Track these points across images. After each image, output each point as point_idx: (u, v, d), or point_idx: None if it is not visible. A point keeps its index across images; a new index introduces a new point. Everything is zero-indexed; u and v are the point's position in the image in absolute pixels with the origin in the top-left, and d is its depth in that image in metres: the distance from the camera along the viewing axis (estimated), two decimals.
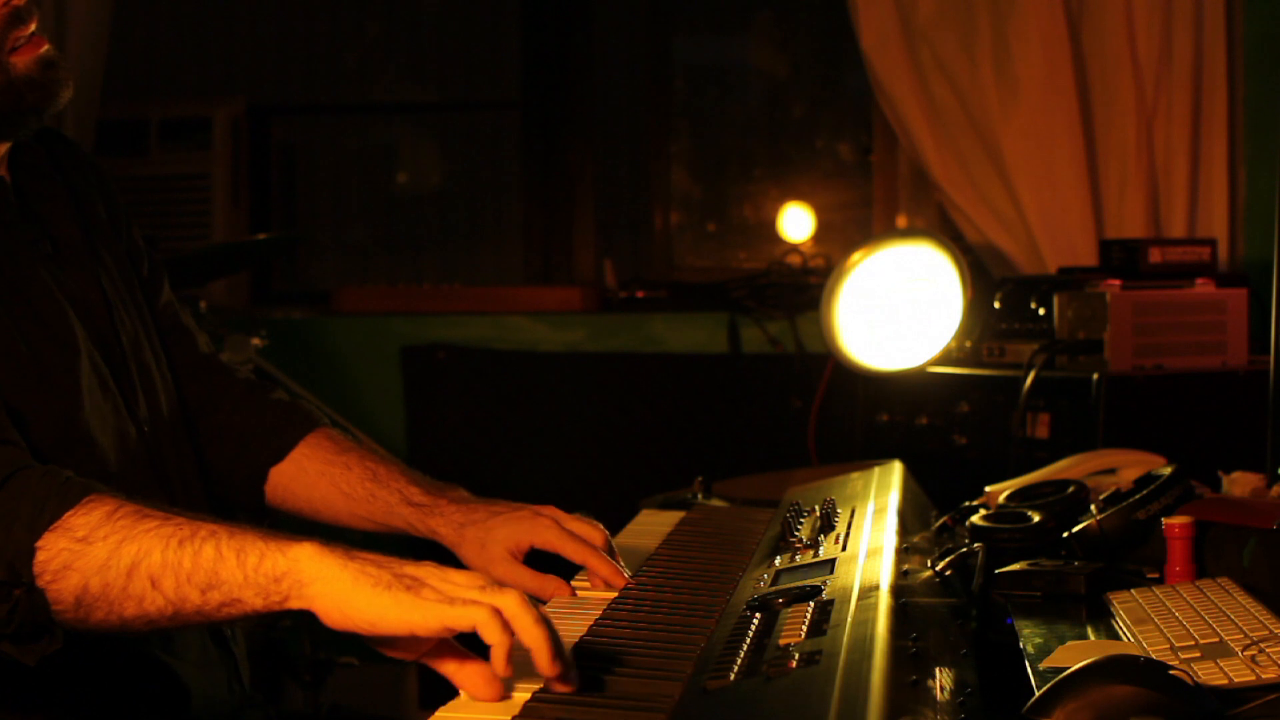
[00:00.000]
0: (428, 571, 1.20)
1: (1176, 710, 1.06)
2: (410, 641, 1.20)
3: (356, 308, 4.07)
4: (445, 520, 1.68)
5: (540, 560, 1.65)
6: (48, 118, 1.59)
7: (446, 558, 1.56)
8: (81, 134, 3.50)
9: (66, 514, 1.25)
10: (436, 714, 1.16)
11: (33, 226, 1.58)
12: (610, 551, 1.62)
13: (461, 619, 1.16)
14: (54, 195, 1.64)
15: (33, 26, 1.52)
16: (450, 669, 1.21)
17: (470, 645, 1.21)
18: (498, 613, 1.16)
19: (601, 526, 1.65)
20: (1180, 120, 3.08)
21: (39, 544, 1.24)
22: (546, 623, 1.17)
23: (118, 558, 1.23)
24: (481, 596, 1.17)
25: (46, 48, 1.53)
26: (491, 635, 1.15)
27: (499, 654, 1.15)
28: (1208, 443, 2.38)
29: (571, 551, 1.60)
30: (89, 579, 1.23)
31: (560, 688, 1.17)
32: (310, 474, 1.78)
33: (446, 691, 1.22)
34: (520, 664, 1.18)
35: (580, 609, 1.49)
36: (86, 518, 1.25)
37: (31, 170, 1.63)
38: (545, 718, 1.14)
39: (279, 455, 1.78)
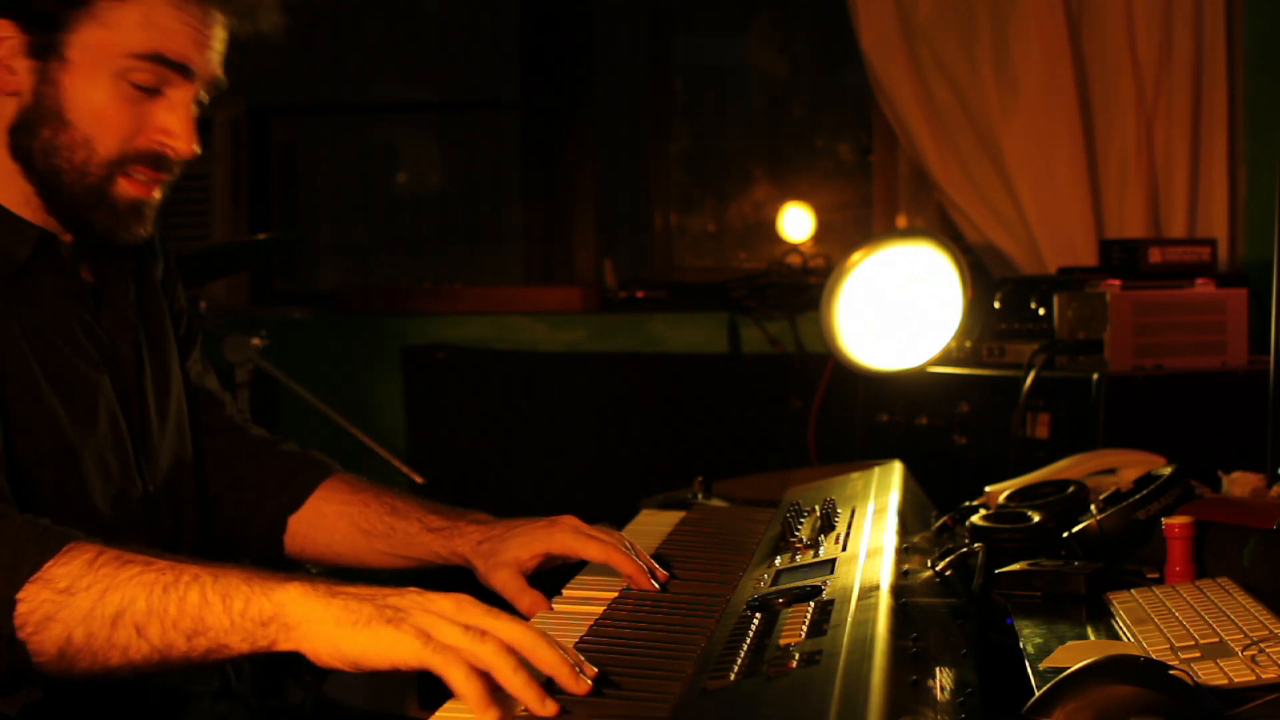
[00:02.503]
0: (410, 601, 1.18)
1: (1176, 710, 1.06)
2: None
3: (356, 308, 4.07)
4: (465, 540, 1.68)
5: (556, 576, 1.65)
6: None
7: (472, 583, 1.55)
8: None
9: (47, 564, 1.22)
10: (436, 714, 1.16)
11: (81, 279, 1.58)
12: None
13: (438, 666, 1.13)
14: (118, 255, 1.64)
15: (162, 177, 1.54)
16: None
17: None
18: (470, 663, 1.13)
19: (621, 535, 1.63)
20: (1180, 120, 3.08)
21: (20, 595, 1.21)
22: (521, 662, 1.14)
23: (102, 607, 1.21)
24: (462, 641, 1.14)
25: (153, 194, 1.54)
26: (461, 688, 1.12)
27: (472, 702, 1.12)
28: (1208, 443, 2.38)
29: (593, 552, 1.58)
30: (72, 630, 1.21)
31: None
32: (329, 516, 1.78)
33: (446, 691, 1.22)
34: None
35: (581, 609, 1.49)
36: (67, 568, 1.22)
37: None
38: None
39: (296, 503, 1.79)
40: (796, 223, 3.94)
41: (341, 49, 4.56)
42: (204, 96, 1.56)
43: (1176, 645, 1.27)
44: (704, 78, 4.36)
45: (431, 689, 3.79)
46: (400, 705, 3.87)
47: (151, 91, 1.50)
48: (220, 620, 1.20)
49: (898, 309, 2.82)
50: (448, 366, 3.91)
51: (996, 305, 2.71)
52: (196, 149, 1.53)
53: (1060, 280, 2.67)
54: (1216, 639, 1.27)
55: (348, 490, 1.79)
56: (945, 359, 2.73)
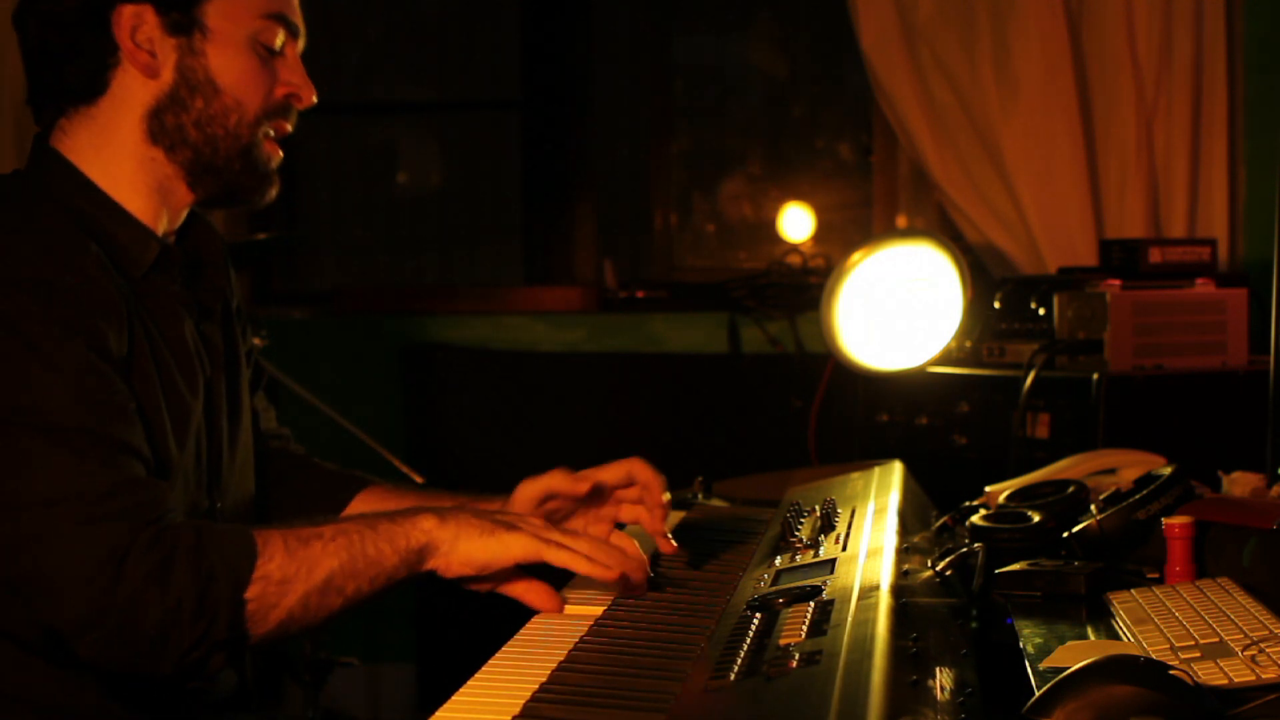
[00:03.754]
0: (514, 516, 1.49)
1: (1176, 710, 1.06)
2: (492, 577, 1.47)
3: (356, 308, 4.07)
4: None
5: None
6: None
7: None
8: None
9: (259, 564, 1.38)
10: (436, 714, 1.16)
11: (189, 292, 1.61)
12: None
13: (552, 555, 1.44)
14: (217, 268, 1.69)
15: (287, 129, 1.64)
16: (519, 590, 1.49)
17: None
18: (581, 554, 1.45)
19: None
20: (1180, 120, 3.08)
21: (247, 596, 1.37)
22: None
23: (312, 583, 1.40)
24: (564, 540, 1.46)
25: (279, 154, 1.66)
26: (582, 568, 1.46)
27: (593, 572, 1.46)
28: (1208, 443, 2.38)
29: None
30: (293, 608, 1.40)
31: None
32: None
33: (446, 691, 1.22)
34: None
35: (582, 609, 1.49)
36: (275, 561, 1.39)
37: (203, 241, 1.68)
38: (545, 717, 1.14)
39: (340, 508, 1.83)
40: (796, 223, 3.94)
41: (341, 49, 4.56)
42: None
43: (1176, 645, 1.27)
44: (704, 78, 4.35)
45: (431, 690, 3.79)
46: (399, 713, 3.87)
47: (274, 52, 1.58)
48: (391, 560, 1.43)
49: (898, 309, 2.82)
50: (447, 366, 3.91)
51: (996, 305, 2.71)
52: (316, 98, 1.63)
53: (1060, 280, 2.67)
54: (1216, 639, 1.27)
55: (388, 493, 1.85)
56: (945, 359, 2.73)
